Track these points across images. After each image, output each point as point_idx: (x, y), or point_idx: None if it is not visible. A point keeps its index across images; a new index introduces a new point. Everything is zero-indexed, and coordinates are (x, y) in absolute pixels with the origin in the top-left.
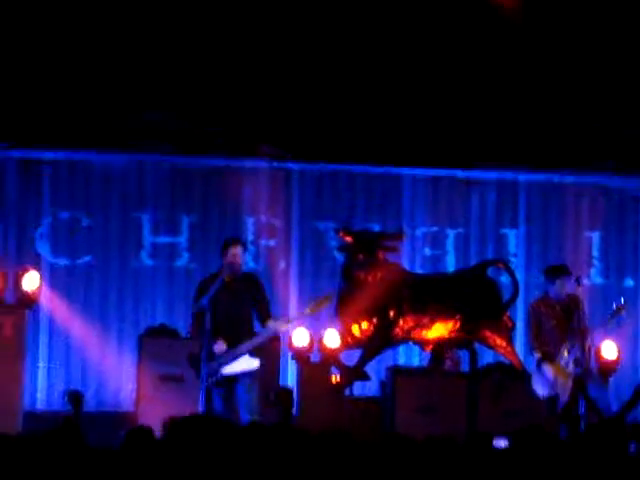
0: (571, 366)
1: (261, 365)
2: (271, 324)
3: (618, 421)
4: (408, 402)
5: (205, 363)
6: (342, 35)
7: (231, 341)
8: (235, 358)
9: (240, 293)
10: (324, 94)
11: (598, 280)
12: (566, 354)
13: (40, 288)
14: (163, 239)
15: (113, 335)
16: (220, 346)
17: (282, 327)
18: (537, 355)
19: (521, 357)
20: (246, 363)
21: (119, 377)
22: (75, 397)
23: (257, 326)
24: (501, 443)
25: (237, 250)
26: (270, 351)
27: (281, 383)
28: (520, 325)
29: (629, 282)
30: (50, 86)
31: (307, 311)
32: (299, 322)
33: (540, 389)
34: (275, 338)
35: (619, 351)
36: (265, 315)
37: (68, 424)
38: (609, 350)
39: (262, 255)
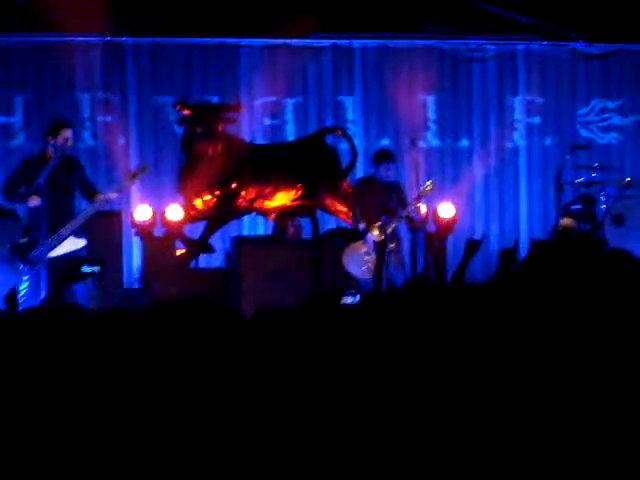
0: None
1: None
2: (98, 197)
3: (458, 279)
4: (253, 271)
5: (34, 248)
6: None
7: (55, 225)
8: (60, 241)
9: (63, 177)
10: None
11: (435, 142)
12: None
13: None
14: None
15: None
16: (34, 200)
17: (100, 202)
18: (362, 225)
19: None
20: (72, 244)
21: None
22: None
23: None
24: (349, 300)
25: (70, 134)
26: (109, 229)
27: (126, 260)
28: None
29: (464, 142)
30: None
31: (125, 183)
32: (118, 195)
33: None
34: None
35: (456, 210)
36: (92, 192)
37: None
38: (446, 210)
39: (100, 132)
